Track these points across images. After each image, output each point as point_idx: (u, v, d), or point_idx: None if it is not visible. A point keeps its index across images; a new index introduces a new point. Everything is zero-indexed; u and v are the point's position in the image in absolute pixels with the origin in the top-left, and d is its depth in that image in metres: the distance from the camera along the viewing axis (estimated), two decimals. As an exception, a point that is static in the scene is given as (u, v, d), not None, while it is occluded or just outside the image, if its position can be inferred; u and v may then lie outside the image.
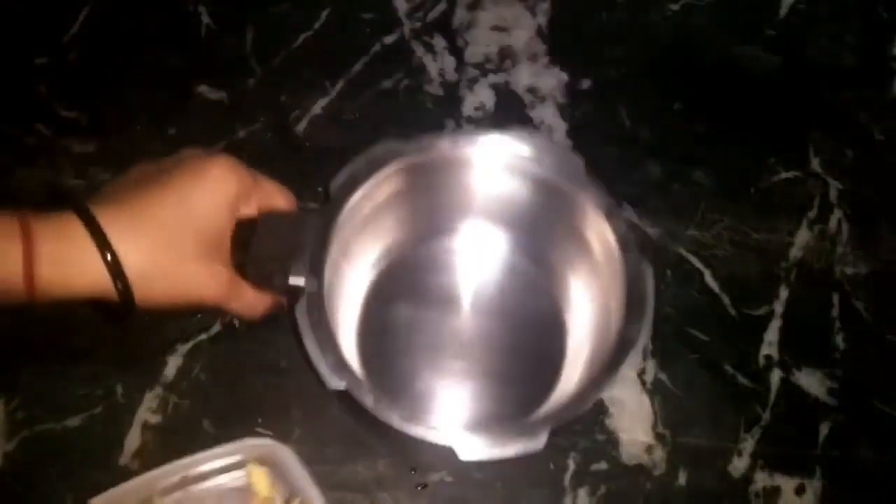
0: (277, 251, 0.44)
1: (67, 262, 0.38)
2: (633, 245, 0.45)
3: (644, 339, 0.42)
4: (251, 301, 0.45)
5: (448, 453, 0.40)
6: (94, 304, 0.41)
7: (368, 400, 0.40)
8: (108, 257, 0.39)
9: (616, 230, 0.46)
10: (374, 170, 0.47)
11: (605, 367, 0.42)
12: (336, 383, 0.40)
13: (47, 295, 0.38)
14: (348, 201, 0.46)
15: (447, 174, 0.50)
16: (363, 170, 0.47)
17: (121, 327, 0.43)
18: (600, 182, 0.47)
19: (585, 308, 0.50)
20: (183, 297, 0.42)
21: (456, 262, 0.54)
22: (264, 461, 0.46)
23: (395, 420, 0.40)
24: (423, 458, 0.48)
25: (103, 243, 0.39)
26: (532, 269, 0.53)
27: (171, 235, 0.41)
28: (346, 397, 0.41)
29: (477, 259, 0.54)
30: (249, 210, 0.45)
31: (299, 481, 0.44)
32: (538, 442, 0.39)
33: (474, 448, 0.39)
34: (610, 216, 0.46)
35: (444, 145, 0.48)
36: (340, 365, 0.41)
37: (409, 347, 0.51)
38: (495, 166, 0.49)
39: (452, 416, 0.49)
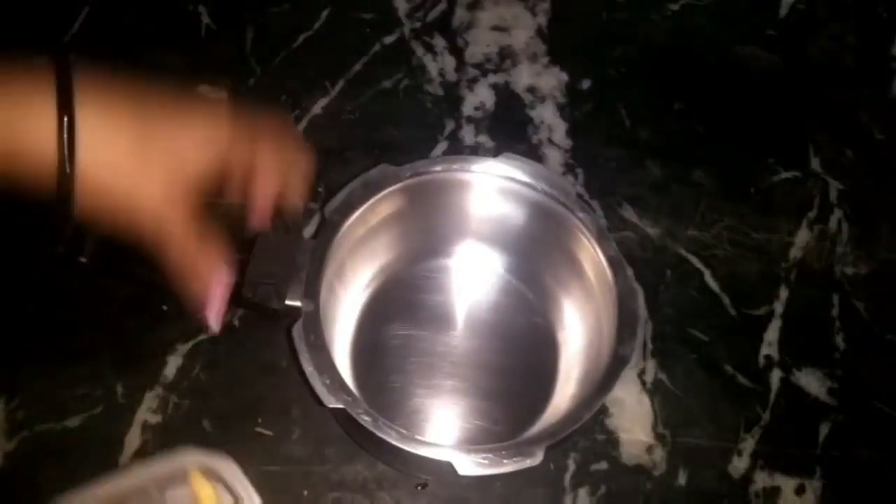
0: (273, 273, 0.44)
1: (20, 121, 0.33)
2: (623, 267, 0.46)
3: (635, 358, 0.42)
4: (190, 248, 0.38)
5: (445, 468, 0.40)
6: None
7: (367, 419, 0.41)
8: (65, 123, 0.34)
9: (606, 253, 0.46)
10: (370, 193, 0.47)
11: (598, 385, 0.43)
12: (333, 403, 0.41)
13: None
14: (344, 223, 0.46)
15: (442, 197, 0.51)
16: (359, 193, 0.47)
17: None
18: (591, 206, 0.47)
19: (577, 327, 0.51)
20: (124, 198, 0.36)
21: (450, 283, 0.54)
22: (207, 474, 0.45)
23: (394, 437, 0.40)
24: (420, 471, 0.48)
25: (65, 105, 0.34)
26: (525, 290, 0.53)
27: (147, 148, 0.36)
28: (343, 415, 0.41)
29: (471, 279, 0.54)
30: (243, 157, 0.40)
31: (244, 497, 0.43)
32: (535, 458, 0.40)
33: (473, 464, 0.40)
34: (601, 239, 0.47)
35: (438, 169, 0.49)
36: (338, 384, 0.41)
37: (403, 366, 0.51)
38: (489, 190, 0.50)
39: (447, 433, 0.49)
